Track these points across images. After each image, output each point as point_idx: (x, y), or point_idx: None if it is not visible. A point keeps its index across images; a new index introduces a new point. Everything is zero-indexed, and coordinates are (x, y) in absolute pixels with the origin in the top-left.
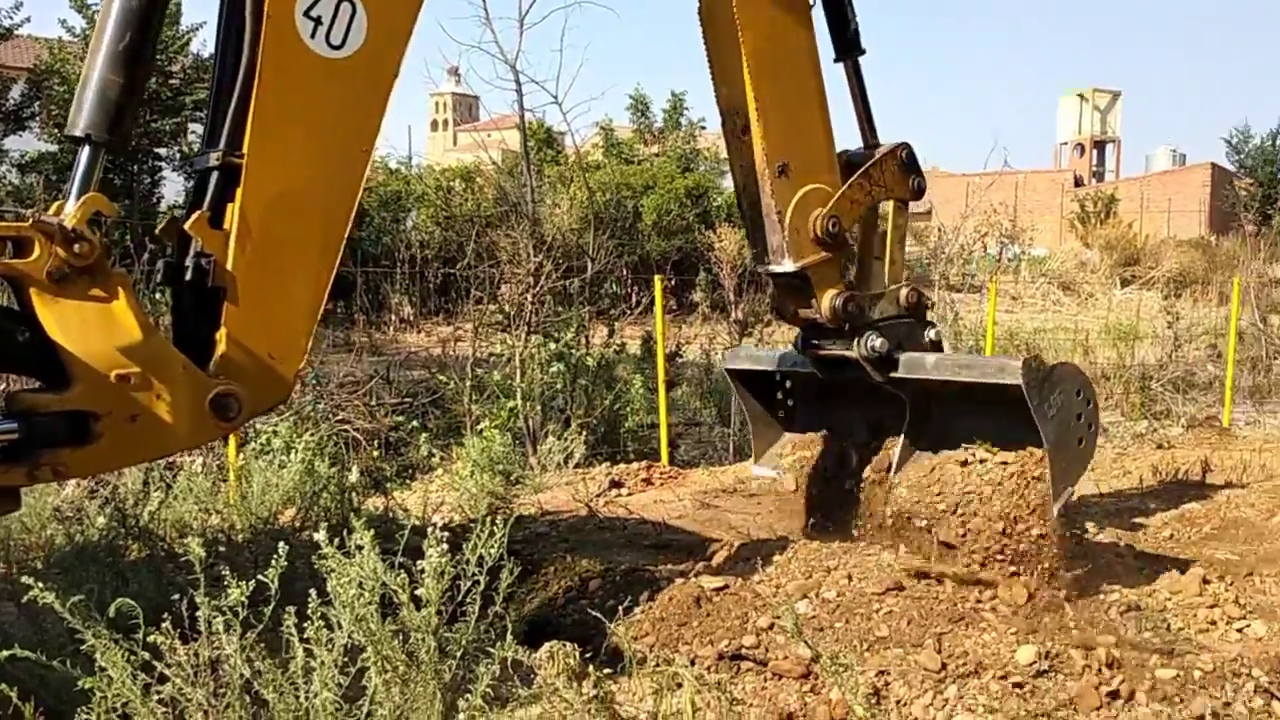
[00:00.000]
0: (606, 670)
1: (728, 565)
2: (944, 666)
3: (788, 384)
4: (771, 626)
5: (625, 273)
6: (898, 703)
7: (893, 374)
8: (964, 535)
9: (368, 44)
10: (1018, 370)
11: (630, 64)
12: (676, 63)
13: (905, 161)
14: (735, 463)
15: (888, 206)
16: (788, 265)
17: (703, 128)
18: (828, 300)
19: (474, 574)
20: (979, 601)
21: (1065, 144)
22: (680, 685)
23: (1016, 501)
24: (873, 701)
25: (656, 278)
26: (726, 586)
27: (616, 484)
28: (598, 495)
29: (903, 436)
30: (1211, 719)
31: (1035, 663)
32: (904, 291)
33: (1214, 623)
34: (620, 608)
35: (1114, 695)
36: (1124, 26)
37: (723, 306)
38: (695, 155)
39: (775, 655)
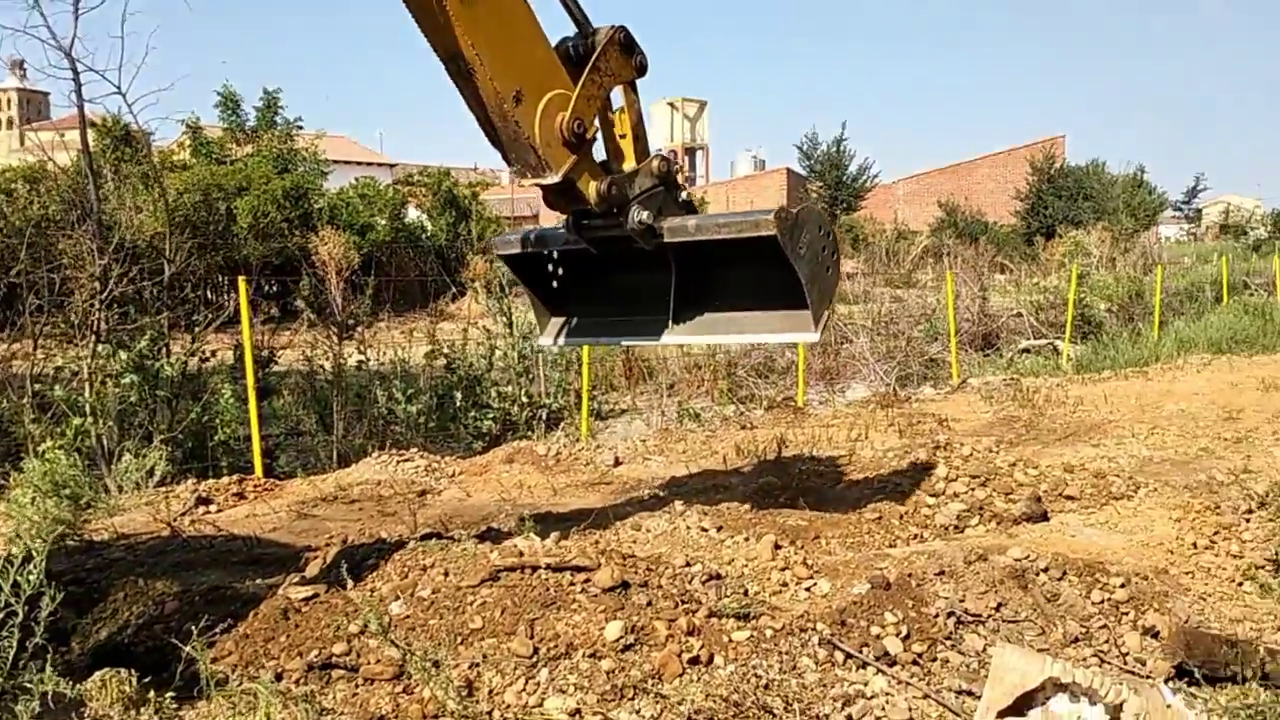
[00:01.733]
0: (173, 695)
1: (322, 574)
2: (536, 651)
3: (557, 256)
4: (363, 631)
5: (220, 278)
6: (490, 692)
7: (660, 240)
8: None
9: None
10: (771, 223)
11: (223, 61)
12: (271, 56)
13: (624, 44)
14: (338, 469)
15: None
16: (552, 178)
17: (299, 127)
18: (593, 190)
19: (8, 604)
20: (571, 584)
21: (658, 150)
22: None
23: None
24: (465, 694)
25: (240, 279)
26: (316, 596)
27: (205, 500)
28: (183, 514)
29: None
30: (780, 672)
31: (622, 638)
32: (655, 163)
33: (785, 584)
34: (197, 629)
35: (694, 661)
36: (711, 36)
37: (328, 311)
38: (293, 155)
39: (367, 660)
